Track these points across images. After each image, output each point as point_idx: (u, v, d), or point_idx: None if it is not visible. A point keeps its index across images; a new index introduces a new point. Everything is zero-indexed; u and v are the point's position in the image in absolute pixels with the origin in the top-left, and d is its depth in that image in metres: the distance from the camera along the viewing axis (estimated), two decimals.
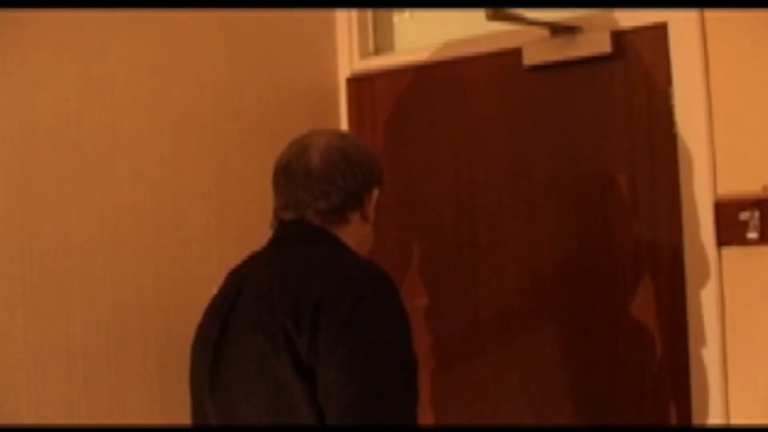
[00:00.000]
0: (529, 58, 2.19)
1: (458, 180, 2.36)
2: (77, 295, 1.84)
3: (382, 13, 2.65)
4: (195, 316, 2.01)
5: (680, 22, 1.99)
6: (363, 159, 1.66)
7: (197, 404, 1.65)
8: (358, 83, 2.56)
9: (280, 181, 1.66)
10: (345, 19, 2.58)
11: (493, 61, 2.28)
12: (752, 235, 1.90)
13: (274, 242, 1.66)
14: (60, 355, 1.80)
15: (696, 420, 1.96)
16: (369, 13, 2.63)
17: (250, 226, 2.24)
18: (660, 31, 2.02)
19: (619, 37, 2.07)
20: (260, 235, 2.27)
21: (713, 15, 1.96)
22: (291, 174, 1.63)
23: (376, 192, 1.68)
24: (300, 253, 1.58)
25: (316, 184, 1.60)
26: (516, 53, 2.21)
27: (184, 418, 1.94)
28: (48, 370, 1.78)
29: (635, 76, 2.07)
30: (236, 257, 2.16)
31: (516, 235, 2.25)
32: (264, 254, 1.66)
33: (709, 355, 1.94)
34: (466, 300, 2.33)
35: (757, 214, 1.90)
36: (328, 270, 1.51)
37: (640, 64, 2.06)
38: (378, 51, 2.63)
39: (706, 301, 1.95)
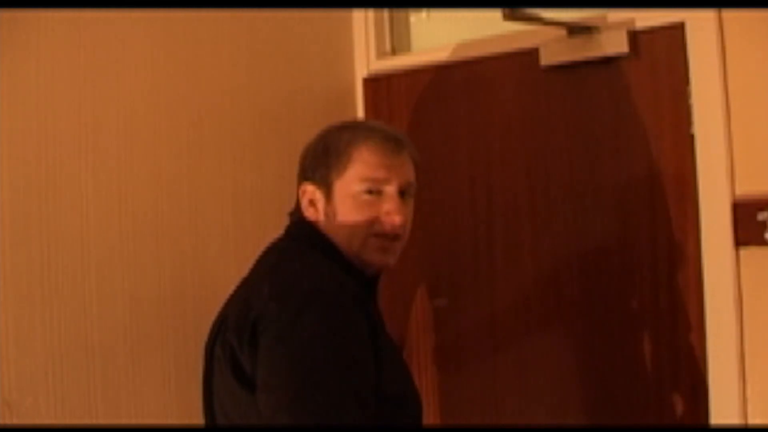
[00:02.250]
0: (546, 58, 2.18)
1: (475, 180, 2.36)
2: (95, 294, 1.85)
3: (399, 13, 2.65)
4: (212, 314, 2.02)
5: (698, 22, 1.98)
6: (325, 146, 1.66)
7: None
8: (374, 83, 2.56)
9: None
10: (362, 19, 2.59)
11: (510, 61, 2.28)
12: None
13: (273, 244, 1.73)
14: (78, 354, 1.81)
15: (714, 420, 1.95)
16: (386, 13, 2.63)
17: (266, 225, 2.22)
18: (677, 30, 2.01)
19: (636, 37, 2.06)
20: (277, 234, 2.28)
21: (731, 15, 1.95)
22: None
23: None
24: (266, 262, 1.64)
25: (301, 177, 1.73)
26: (533, 53, 2.21)
27: (202, 417, 1.95)
28: (66, 369, 1.79)
29: (652, 76, 2.06)
30: (253, 255, 2.17)
31: (533, 235, 2.25)
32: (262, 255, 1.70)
33: (726, 356, 1.93)
34: (484, 300, 2.33)
35: None
36: (269, 280, 1.53)
37: (657, 64, 2.05)
38: (395, 51, 2.63)
39: (723, 301, 1.94)
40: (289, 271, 1.54)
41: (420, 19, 2.63)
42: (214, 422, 1.61)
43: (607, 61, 2.11)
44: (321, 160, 1.64)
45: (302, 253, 1.60)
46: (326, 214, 1.62)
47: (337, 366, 1.35)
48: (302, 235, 1.66)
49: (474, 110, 2.37)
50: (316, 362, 1.34)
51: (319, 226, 1.63)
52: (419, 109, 2.47)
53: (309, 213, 1.65)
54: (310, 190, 1.65)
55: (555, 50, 2.17)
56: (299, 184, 1.69)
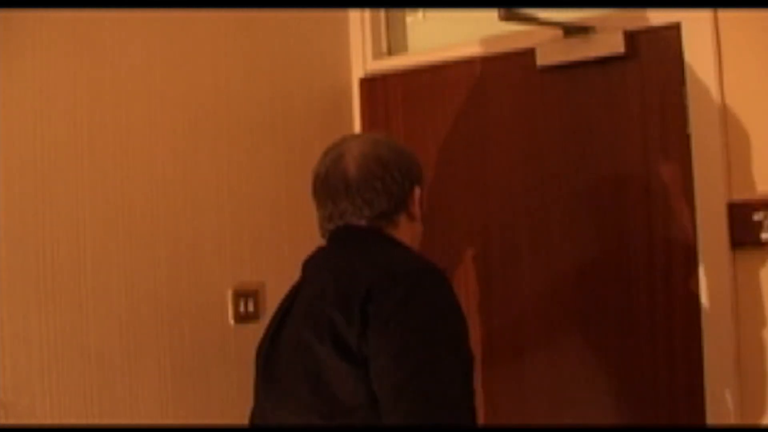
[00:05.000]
0: (543, 59, 2.18)
1: (471, 180, 2.36)
2: (91, 294, 1.85)
3: (395, 13, 2.66)
4: (209, 314, 2.04)
5: (693, 22, 1.98)
6: (400, 160, 1.66)
7: (256, 401, 1.68)
8: (371, 83, 2.57)
9: (320, 194, 1.67)
10: (358, 19, 2.59)
11: (506, 62, 2.28)
12: (766, 236, 1.90)
13: (329, 244, 1.68)
14: (74, 354, 1.81)
15: (710, 420, 1.95)
16: (382, 13, 2.63)
17: (264, 226, 2.25)
18: (673, 31, 2.01)
19: (632, 37, 2.06)
20: (273, 234, 2.29)
21: (727, 15, 1.96)
22: (330, 186, 1.64)
23: (417, 190, 1.68)
24: (353, 250, 1.60)
25: (357, 194, 1.61)
26: (529, 54, 2.21)
27: (199, 417, 1.96)
28: (62, 369, 1.79)
29: (648, 77, 2.06)
30: (250, 257, 2.19)
31: (529, 235, 2.25)
32: (321, 255, 1.68)
33: (722, 357, 1.94)
34: (479, 304, 2.33)
35: None
36: (378, 261, 1.53)
37: (653, 65, 2.06)
38: (391, 51, 2.64)
39: (719, 302, 1.94)
40: (391, 254, 1.58)
41: (416, 20, 2.63)
42: (271, 412, 1.59)
43: (603, 62, 2.11)
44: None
45: (396, 242, 1.64)
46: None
47: (453, 340, 1.45)
48: (372, 235, 1.64)
49: (470, 111, 2.37)
50: (438, 335, 1.41)
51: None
52: (415, 110, 2.48)
53: (419, 216, 1.70)
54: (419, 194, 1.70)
55: (551, 51, 2.17)
56: (411, 189, 1.67)
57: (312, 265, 1.67)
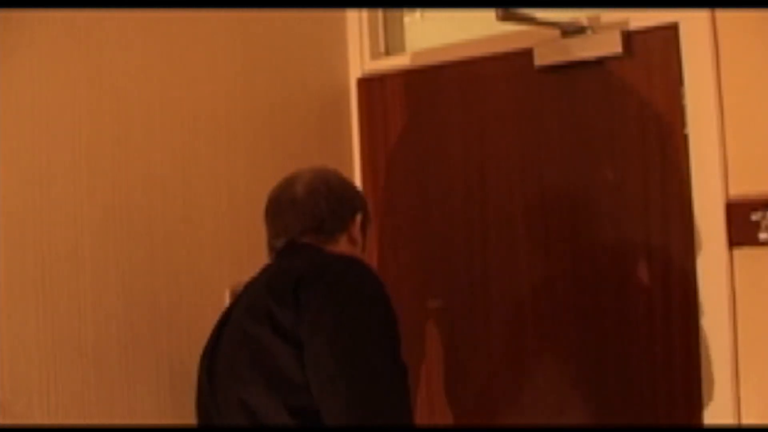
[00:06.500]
0: (540, 59, 2.18)
1: (469, 181, 2.36)
2: (89, 295, 1.85)
3: (393, 13, 2.66)
4: (205, 316, 2.03)
5: (691, 22, 1.98)
6: (345, 188, 1.83)
7: (200, 403, 1.76)
8: (369, 83, 2.57)
9: (269, 215, 1.82)
10: (356, 19, 2.59)
11: (504, 62, 2.28)
12: (764, 235, 1.90)
13: (271, 261, 1.81)
14: (72, 354, 1.80)
15: (707, 420, 1.95)
16: (380, 13, 2.63)
17: (261, 227, 2.24)
18: (671, 31, 2.01)
19: (629, 37, 2.06)
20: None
21: (724, 15, 1.96)
22: (279, 205, 1.79)
23: (359, 217, 1.81)
24: (291, 258, 1.72)
25: (301, 208, 1.75)
26: (527, 54, 2.20)
27: (195, 418, 1.95)
28: (60, 370, 1.78)
29: (646, 77, 2.06)
30: (248, 258, 2.18)
31: (527, 235, 2.25)
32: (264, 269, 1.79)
33: (720, 356, 1.94)
34: (478, 301, 2.33)
35: None
36: (310, 259, 1.65)
37: (651, 65, 2.05)
38: (389, 52, 2.64)
39: (717, 302, 1.94)
40: (323, 254, 1.70)
41: (414, 20, 2.63)
42: (215, 407, 1.67)
43: (601, 62, 2.11)
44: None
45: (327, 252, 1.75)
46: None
47: (383, 326, 1.51)
48: (311, 249, 1.76)
49: (468, 111, 2.37)
50: (367, 320, 1.50)
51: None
52: (413, 110, 2.48)
53: (360, 242, 1.83)
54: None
55: (549, 51, 2.17)
56: (353, 213, 1.81)
57: (255, 278, 1.77)
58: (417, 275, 2.45)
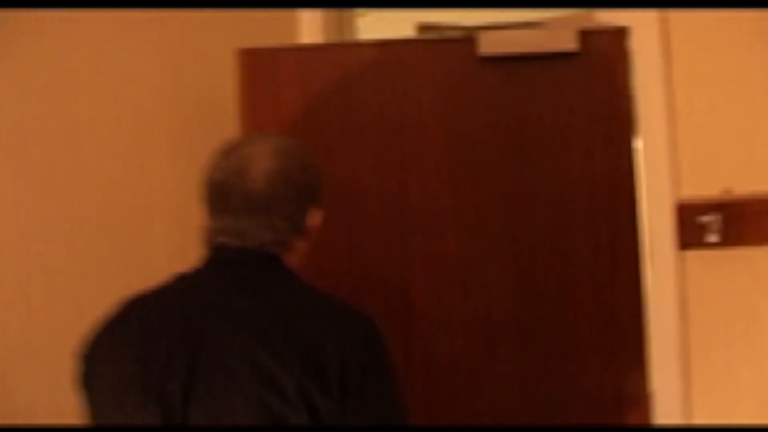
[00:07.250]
0: (486, 47, 2.07)
1: (385, 180, 2.12)
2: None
3: (347, 14, 2.46)
4: None
5: (643, 23, 2.01)
6: (307, 180, 1.57)
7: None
8: (253, 55, 2.25)
9: (215, 204, 1.51)
10: (311, 20, 2.43)
11: (442, 47, 2.12)
12: (713, 238, 1.95)
13: (216, 265, 1.51)
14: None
15: (657, 422, 1.95)
16: (332, 14, 2.46)
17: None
18: (623, 31, 2.00)
19: (583, 36, 2.02)
20: None
21: (676, 15, 2.00)
22: (231, 200, 1.49)
23: (315, 210, 1.59)
24: (265, 284, 1.49)
25: (261, 215, 1.49)
26: (470, 41, 2.08)
27: None
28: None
29: (597, 77, 2.03)
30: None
31: (457, 242, 2.09)
32: (213, 278, 1.50)
33: (669, 358, 1.95)
34: (401, 314, 2.12)
35: (717, 217, 1.95)
36: (327, 317, 1.46)
37: (601, 65, 2.03)
38: None
39: (666, 304, 1.98)
40: (335, 303, 1.52)
41: (365, 22, 2.44)
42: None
43: (552, 58, 2.04)
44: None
45: (297, 277, 1.54)
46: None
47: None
48: (270, 265, 1.52)
49: (386, 100, 2.14)
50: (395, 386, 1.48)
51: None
52: (313, 92, 2.21)
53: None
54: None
55: (497, 40, 2.06)
56: (312, 211, 1.57)
57: (204, 287, 1.49)
58: (328, 286, 2.17)
